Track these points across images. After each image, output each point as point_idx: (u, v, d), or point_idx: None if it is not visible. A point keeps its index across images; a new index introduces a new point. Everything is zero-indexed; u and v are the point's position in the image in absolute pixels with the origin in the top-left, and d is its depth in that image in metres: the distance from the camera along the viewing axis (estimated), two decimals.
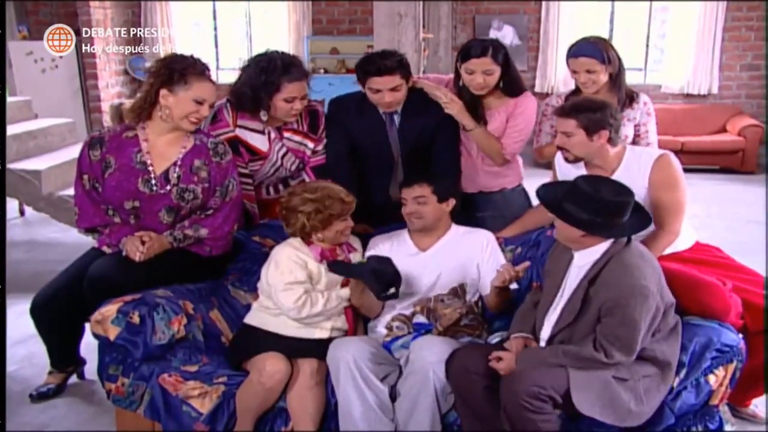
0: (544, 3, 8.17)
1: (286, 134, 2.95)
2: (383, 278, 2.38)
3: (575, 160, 2.55)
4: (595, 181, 2.19)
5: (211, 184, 2.65)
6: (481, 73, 2.82)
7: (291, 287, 2.42)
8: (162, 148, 2.62)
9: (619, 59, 2.93)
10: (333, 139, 3.00)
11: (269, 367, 2.31)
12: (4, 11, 2.48)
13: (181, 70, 2.53)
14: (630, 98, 2.99)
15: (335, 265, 2.48)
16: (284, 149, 2.95)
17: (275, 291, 2.44)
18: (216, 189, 2.66)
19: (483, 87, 2.86)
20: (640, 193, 2.49)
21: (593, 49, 2.88)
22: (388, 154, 2.98)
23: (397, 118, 2.93)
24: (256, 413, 2.32)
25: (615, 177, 2.50)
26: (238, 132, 2.90)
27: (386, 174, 3.01)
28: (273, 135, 2.93)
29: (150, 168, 2.59)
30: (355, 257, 2.63)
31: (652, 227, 2.44)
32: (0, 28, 2.48)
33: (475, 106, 2.93)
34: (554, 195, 2.23)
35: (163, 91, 2.53)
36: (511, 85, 2.93)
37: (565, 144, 2.51)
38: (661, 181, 2.49)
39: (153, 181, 2.59)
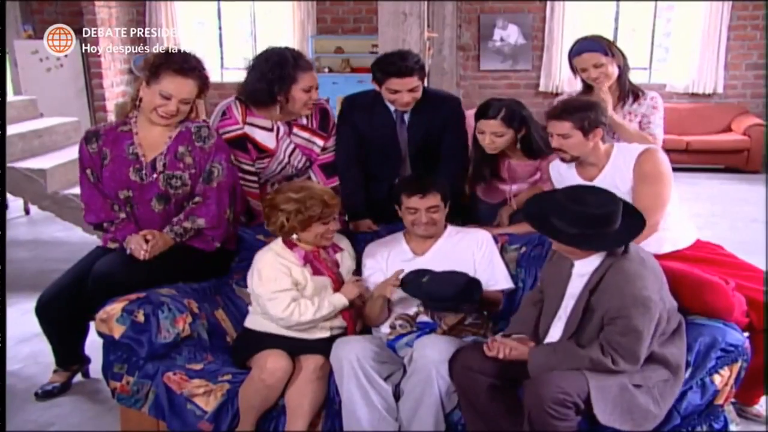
0: (548, 2, 8.14)
1: (295, 129, 2.97)
2: (468, 294, 2.39)
3: (571, 160, 2.56)
4: (578, 194, 2.14)
5: (197, 170, 2.67)
6: (490, 134, 2.76)
7: (277, 296, 2.38)
8: (153, 139, 2.67)
9: (622, 54, 2.94)
10: (343, 138, 3.03)
11: (270, 364, 2.30)
12: (4, 11, 2.50)
13: (157, 65, 2.60)
14: (635, 95, 2.99)
15: (409, 287, 2.42)
16: (292, 146, 2.97)
17: (262, 301, 2.41)
18: (201, 174, 2.67)
19: (492, 148, 2.80)
20: (627, 187, 2.50)
21: (594, 44, 2.91)
22: (396, 151, 3.03)
23: (407, 117, 2.97)
24: (258, 411, 2.32)
25: (604, 172, 2.55)
26: (247, 129, 2.92)
27: (393, 170, 3.04)
28: (282, 131, 2.95)
29: (141, 158, 2.65)
30: (343, 257, 2.61)
31: None
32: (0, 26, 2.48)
33: (489, 160, 2.89)
34: (540, 211, 2.17)
35: (142, 85, 2.63)
36: (530, 148, 2.83)
37: (562, 146, 2.53)
38: (643, 173, 2.49)
39: (143, 171, 2.63)
